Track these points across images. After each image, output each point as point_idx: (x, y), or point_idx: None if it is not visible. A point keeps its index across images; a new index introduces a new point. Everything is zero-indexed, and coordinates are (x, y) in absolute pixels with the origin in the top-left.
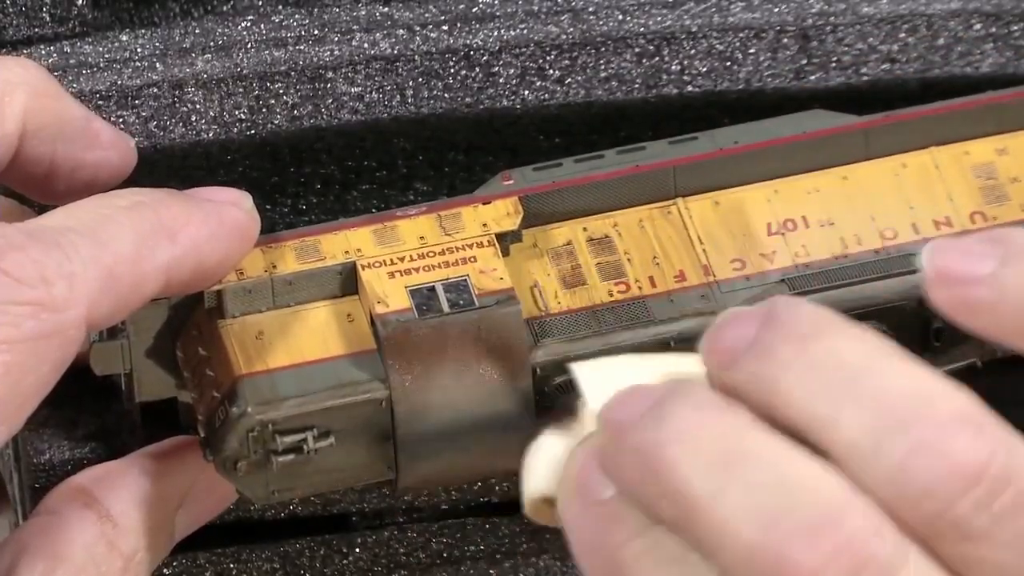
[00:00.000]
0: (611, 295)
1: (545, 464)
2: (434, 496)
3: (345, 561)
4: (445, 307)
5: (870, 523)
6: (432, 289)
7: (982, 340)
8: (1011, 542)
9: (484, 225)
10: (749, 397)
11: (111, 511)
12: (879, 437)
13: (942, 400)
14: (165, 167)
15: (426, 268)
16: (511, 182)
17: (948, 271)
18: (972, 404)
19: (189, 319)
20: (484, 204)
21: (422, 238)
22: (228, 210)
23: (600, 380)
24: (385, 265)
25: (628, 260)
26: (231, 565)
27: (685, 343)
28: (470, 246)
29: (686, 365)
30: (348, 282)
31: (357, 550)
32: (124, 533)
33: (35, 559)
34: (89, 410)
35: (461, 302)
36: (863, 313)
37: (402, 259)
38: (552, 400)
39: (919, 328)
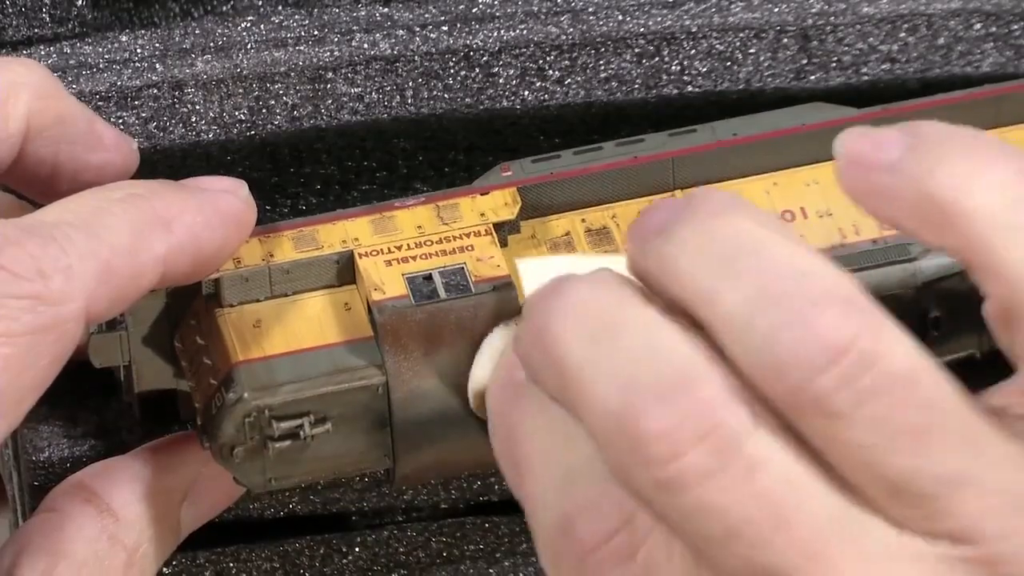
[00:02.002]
0: None
1: (487, 357)
2: (433, 495)
3: (345, 560)
4: (442, 294)
5: (722, 393)
6: (429, 276)
7: (981, 330)
8: (870, 424)
9: (482, 215)
10: (652, 279)
11: (112, 506)
12: (751, 310)
13: (819, 279)
14: (165, 168)
15: (423, 256)
16: (509, 173)
17: (856, 156)
18: (849, 286)
19: (187, 309)
20: (482, 195)
21: (420, 228)
22: (224, 198)
23: (542, 275)
24: (382, 254)
25: (626, 251)
26: (231, 564)
27: None
28: (467, 235)
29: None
30: (345, 271)
31: (357, 549)
32: (126, 527)
33: (36, 556)
34: (88, 407)
35: (458, 289)
36: None
37: (399, 248)
38: None
39: (916, 317)
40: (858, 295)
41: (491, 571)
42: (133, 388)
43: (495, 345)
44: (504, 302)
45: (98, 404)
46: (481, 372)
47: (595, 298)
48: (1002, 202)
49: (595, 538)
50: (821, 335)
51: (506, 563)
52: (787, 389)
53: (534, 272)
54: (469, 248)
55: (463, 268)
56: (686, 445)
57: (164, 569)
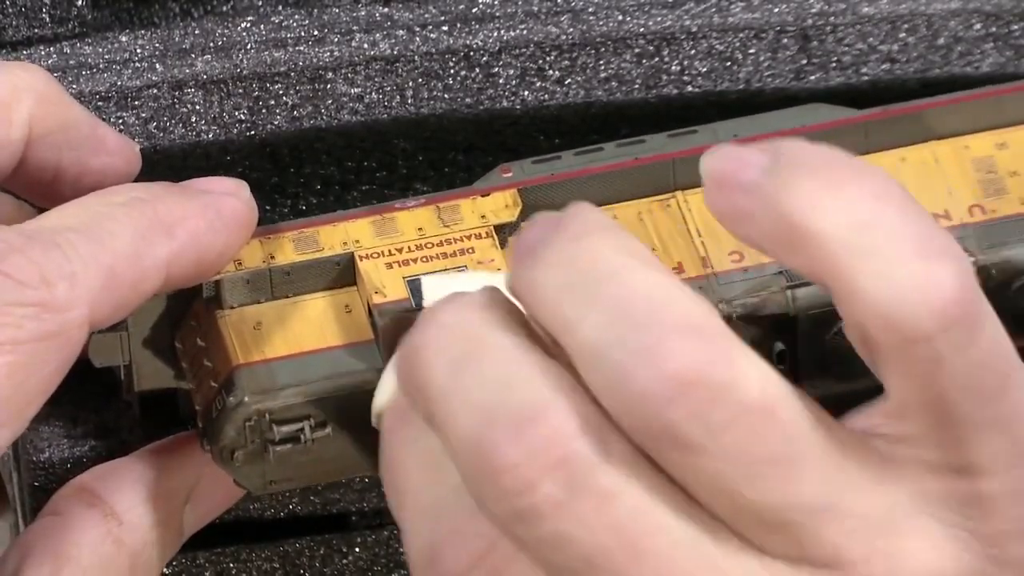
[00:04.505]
0: None
1: (389, 376)
2: None
3: (345, 561)
4: None
5: (573, 424)
6: None
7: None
8: (725, 455)
9: (483, 217)
10: (523, 301)
11: (116, 509)
12: (604, 342)
13: (672, 307)
14: (165, 168)
15: (424, 259)
16: (510, 175)
17: (718, 176)
18: (702, 313)
19: (188, 310)
20: (483, 196)
21: (420, 230)
22: (225, 200)
23: (442, 291)
24: (383, 256)
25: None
26: (231, 565)
27: None
28: (468, 237)
29: None
30: (346, 273)
31: (357, 550)
32: (130, 530)
33: (41, 560)
34: (89, 408)
35: None
36: None
37: (400, 250)
38: None
39: None
40: (711, 322)
41: None
42: (133, 387)
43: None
44: None
45: (98, 405)
46: (382, 391)
47: (461, 321)
48: (849, 223)
49: (459, 566)
50: (670, 368)
51: None
52: (641, 422)
53: (435, 288)
54: (470, 251)
55: (464, 271)
56: (537, 477)
57: (164, 570)
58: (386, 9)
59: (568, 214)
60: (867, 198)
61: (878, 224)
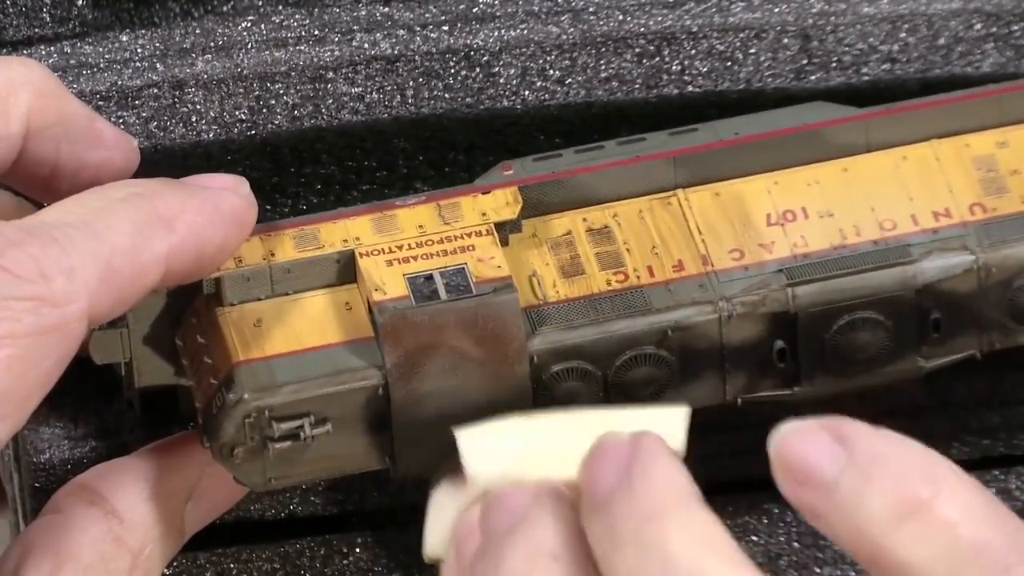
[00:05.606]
0: (609, 284)
1: (440, 527)
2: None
3: (345, 561)
4: (443, 295)
5: None
6: (430, 277)
7: (981, 331)
8: None
9: (483, 214)
10: (594, 555)
11: (117, 507)
12: None
13: None
14: (166, 167)
15: (424, 256)
16: (511, 172)
17: (787, 467)
18: None
19: (188, 307)
20: (484, 194)
21: (421, 227)
22: (224, 196)
23: (483, 448)
24: (383, 253)
25: (627, 250)
26: (231, 565)
27: (682, 332)
28: (468, 235)
29: (571, 432)
30: (346, 270)
31: (357, 550)
32: (131, 529)
33: (42, 558)
34: (89, 409)
35: (459, 290)
36: (861, 303)
37: (400, 247)
38: (550, 389)
39: (917, 318)
40: None
41: None
42: (133, 384)
43: (445, 516)
44: (503, 304)
45: (99, 406)
46: (435, 542)
47: None
48: (934, 555)
49: None
50: None
51: None
52: None
53: (477, 446)
54: (470, 248)
55: (464, 269)
56: None
57: (165, 570)
58: (387, 9)
59: (639, 463)
60: (947, 516)
61: (965, 549)
